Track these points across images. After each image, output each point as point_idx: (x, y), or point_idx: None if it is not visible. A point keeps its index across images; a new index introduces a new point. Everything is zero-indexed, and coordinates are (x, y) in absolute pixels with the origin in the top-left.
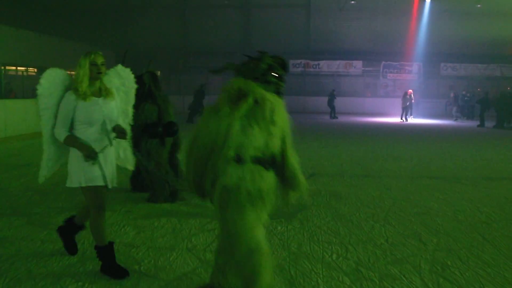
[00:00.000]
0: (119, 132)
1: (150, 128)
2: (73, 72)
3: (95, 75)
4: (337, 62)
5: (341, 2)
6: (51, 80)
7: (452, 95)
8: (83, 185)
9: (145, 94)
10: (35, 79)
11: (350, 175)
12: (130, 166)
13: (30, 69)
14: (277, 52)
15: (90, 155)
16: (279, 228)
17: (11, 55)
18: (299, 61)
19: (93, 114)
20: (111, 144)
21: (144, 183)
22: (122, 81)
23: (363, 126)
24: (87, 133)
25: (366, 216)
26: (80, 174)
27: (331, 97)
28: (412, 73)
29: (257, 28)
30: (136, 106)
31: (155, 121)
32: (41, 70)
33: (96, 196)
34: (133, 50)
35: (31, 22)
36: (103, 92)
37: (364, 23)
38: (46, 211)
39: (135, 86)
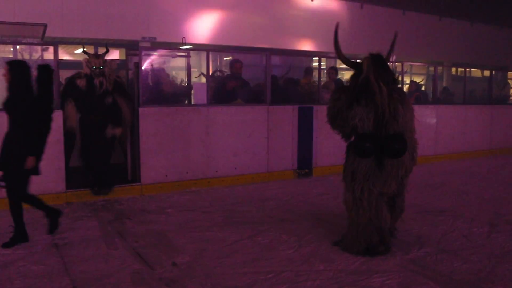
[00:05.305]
0: None
1: (356, 142)
2: None
3: None
4: None
5: None
6: None
7: None
8: None
9: (358, 88)
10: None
11: None
12: None
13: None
14: None
15: None
16: None
17: (461, 53)
18: None
19: None
20: None
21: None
22: None
23: None
24: None
25: None
26: None
27: None
28: None
29: None
30: (347, 106)
31: (368, 131)
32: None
33: None
34: None
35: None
36: None
37: None
38: None
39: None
